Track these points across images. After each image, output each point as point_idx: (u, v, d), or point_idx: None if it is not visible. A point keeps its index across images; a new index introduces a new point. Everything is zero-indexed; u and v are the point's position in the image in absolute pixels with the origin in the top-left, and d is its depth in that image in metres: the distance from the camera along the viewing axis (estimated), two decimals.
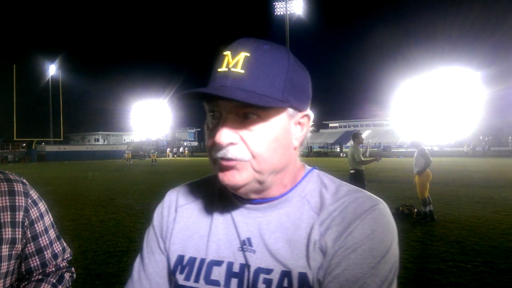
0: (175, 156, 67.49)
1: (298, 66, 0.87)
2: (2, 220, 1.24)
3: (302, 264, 0.80)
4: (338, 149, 71.54)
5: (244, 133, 0.81)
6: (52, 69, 79.66)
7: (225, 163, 0.81)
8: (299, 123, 0.89)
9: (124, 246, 6.74)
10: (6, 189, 1.28)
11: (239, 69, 0.80)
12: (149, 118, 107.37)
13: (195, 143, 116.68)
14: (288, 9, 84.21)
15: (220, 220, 0.92)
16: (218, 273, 0.86)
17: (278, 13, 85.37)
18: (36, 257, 1.35)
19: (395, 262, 0.80)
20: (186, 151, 68.93)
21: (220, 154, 0.81)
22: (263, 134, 0.81)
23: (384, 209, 0.83)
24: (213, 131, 0.83)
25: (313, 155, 64.18)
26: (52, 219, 1.44)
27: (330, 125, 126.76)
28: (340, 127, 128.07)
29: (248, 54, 0.81)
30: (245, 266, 0.84)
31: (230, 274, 0.85)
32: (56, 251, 1.41)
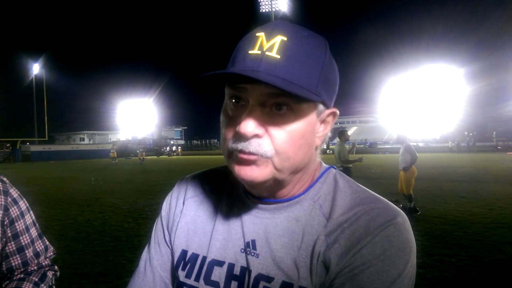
0: (174, 154, 68.49)
1: (333, 60, 0.79)
2: None
3: (305, 277, 0.74)
4: (325, 146, 71.80)
5: (271, 126, 0.73)
6: (36, 68, 78.62)
7: (244, 156, 0.73)
8: (324, 121, 0.81)
9: (111, 245, 6.69)
10: None
11: (274, 54, 0.71)
12: (135, 117, 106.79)
13: (182, 142, 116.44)
14: (273, 6, 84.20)
15: (226, 216, 0.87)
16: (219, 274, 0.82)
17: (264, 10, 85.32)
18: (17, 255, 1.33)
19: (409, 287, 0.72)
20: (179, 150, 70.28)
21: (240, 146, 0.73)
22: (292, 130, 0.73)
23: (403, 224, 0.74)
24: (235, 119, 0.75)
25: None
26: (34, 218, 1.42)
27: None
28: None
29: (285, 38, 0.72)
30: (246, 270, 0.80)
31: (230, 276, 0.81)
32: (38, 249, 1.40)
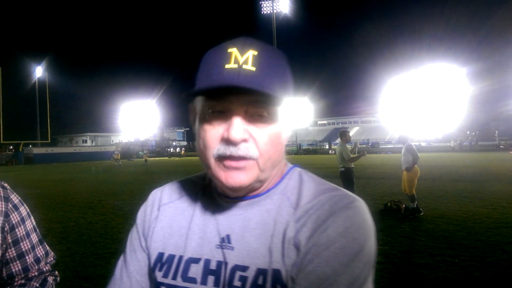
0: (180, 156, 69.58)
1: (291, 68, 0.89)
2: None
3: (277, 261, 0.81)
4: (327, 146, 71.92)
5: (253, 130, 0.81)
6: (39, 71, 79.20)
7: (233, 163, 0.81)
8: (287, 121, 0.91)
9: (113, 248, 6.70)
10: None
11: (250, 66, 0.79)
12: (137, 119, 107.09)
13: (184, 143, 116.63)
14: (274, 7, 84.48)
15: (201, 217, 0.93)
16: (196, 270, 0.86)
17: (265, 12, 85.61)
18: (18, 261, 1.33)
19: (370, 261, 0.79)
20: (183, 151, 71.49)
21: (229, 151, 0.80)
22: (271, 132, 0.83)
23: (360, 206, 0.83)
24: (219, 128, 0.82)
25: (302, 153, 64.48)
26: (34, 223, 1.43)
27: (318, 122, 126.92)
28: (329, 124, 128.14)
29: (255, 53, 0.81)
30: (222, 263, 0.85)
31: (207, 271, 0.86)
32: (39, 255, 1.40)
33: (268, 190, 0.90)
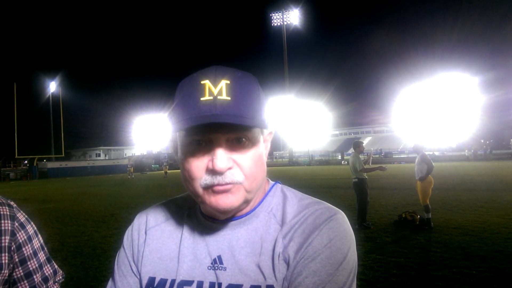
0: None
1: (262, 90, 0.93)
2: None
3: (270, 277, 0.85)
4: (339, 157, 71.60)
5: (236, 156, 0.85)
6: (53, 86, 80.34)
7: (221, 187, 0.84)
8: (265, 140, 0.96)
9: None
10: None
11: (225, 97, 0.82)
12: (150, 132, 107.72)
13: None
14: (285, 19, 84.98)
15: (190, 240, 0.95)
16: None
17: (275, 24, 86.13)
18: (25, 281, 1.32)
19: (353, 268, 0.85)
20: None
21: (216, 180, 0.83)
22: (253, 155, 0.87)
23: (342, 218, 0.89)
24: (202, 159, 0.85)
25: (315, 164, 64.24)
26: (42, 241, 1.41)
27: (331, 132, 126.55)
28: (341, 134, 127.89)
29: (228, 82, 0.84)
30: (215, 284, 0.87)
31: None
32: (47, 274, 1.38)
33: (254, 209, 0.94)
